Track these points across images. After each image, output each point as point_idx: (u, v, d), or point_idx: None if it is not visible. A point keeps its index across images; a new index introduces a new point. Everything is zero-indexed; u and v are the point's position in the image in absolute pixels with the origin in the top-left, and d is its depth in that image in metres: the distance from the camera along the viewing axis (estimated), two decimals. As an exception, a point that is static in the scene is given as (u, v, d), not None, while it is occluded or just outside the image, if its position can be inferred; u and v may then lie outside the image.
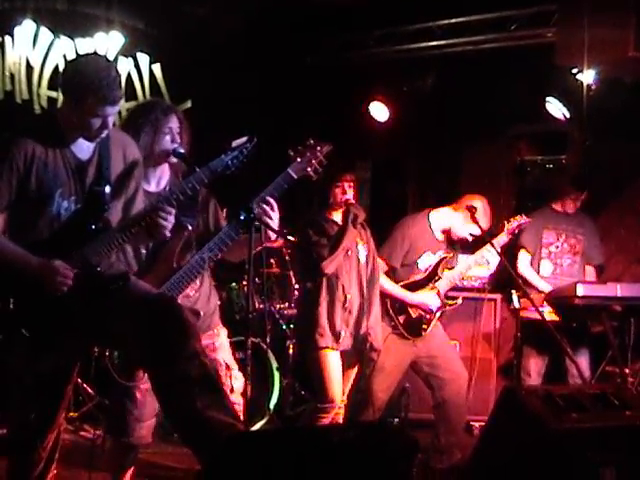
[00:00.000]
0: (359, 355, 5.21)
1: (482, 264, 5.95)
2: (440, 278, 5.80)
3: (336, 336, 5.09)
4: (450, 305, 5.90)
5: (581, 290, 6.05)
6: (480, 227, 5.67)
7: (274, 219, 4.16)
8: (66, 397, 3.90)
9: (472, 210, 5.69)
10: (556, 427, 3.49)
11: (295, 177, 4.21)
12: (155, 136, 4.22)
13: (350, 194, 5.23)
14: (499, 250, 5.77)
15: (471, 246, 6.00)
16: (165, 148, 4.24)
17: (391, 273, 5.73)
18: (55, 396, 3.83)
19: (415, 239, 5.77)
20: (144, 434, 4.37)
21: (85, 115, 3.54)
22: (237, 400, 4.20)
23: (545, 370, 6.72)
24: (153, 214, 3.63)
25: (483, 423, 5.41)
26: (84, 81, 3.51)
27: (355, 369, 5.31)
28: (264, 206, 4.11)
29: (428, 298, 5.73)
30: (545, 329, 5.57)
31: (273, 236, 4.24)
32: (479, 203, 5.77)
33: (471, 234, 5.80)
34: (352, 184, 5.24)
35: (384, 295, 5.58)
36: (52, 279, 3.49)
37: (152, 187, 4.28)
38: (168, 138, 4.24)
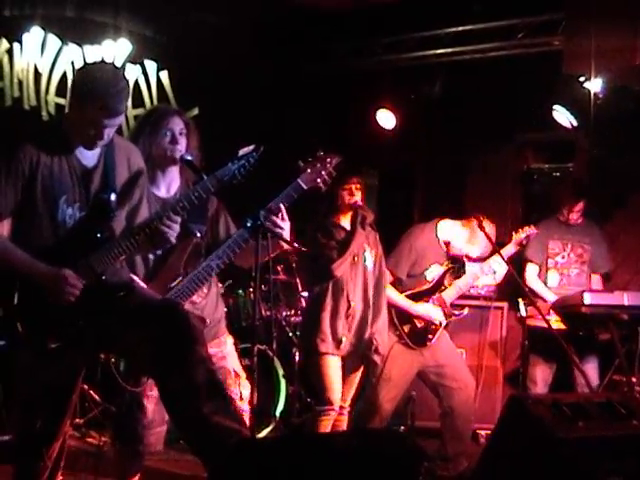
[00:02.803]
0: (361, 360, 5.26)
1: (489, 274, 5.95)
2: (446, 288, 5.80)
3: (337, 342, 5.13)
4: (456, 316, 5.90)
5: (588, 299, 6.01)
6: (489, 238, 5.64)
7: (285, 228, 4.13)
8: (72, 405, 3.89)
9: (480, 220, 5.66)
10: (563, 436, 3.47)
11: (305, 188, 4.21)
12: (151, 137, 4.21)
13: (358, 196, 5.26)
14: (506, 260, 5.75)
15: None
16: (163, 149, 4.22)
17: (397, 283, 5.73)
18: (61, 404, 3.81)
19: (423, 250, 5.78)
20: (153, 441, 4.38)
21: (85, 123, 3.55)
22: (246, 407, 4.21)
23: (552, 379, 6.71)
24: (158, 222, 3.62)
25: (489, 431, 5.42)
26: (89, 88, 3.52)
27: (357, 374, 5.34)
28: (273, 217, 4.08)
29: (432, 310, 5.73)
30: (552, 337, 5.52)
31: (285, 245, 4.22)
32: (488, 227, 5.73)
33: (467, 256, 5.82)
34: (359, 186, 5.27)
35: (389, 305, 5.59)
36: (60, 288, 3.48)
37: (162, 192, 4.28)
38: (167, 139, 4.22)
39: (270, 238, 3.95)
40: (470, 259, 5.88)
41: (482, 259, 5.90)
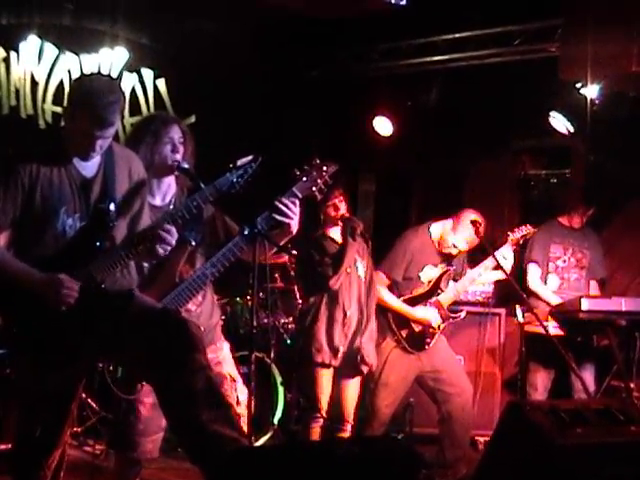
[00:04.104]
0: (355, 371, 5.28)
1: (487, 274, 5.96)
2: (443, 291, 5.82)
3: (334, 351, 5.17)
4: (453, 318, 5.91)
5: (586, 304, 6.01)
6: (483, 242, 5.69)
7: (295, 218, 4.16)
8: (71, 414, 3.89)
9: (477, 225, 5.70)
10: (561, 442, 3.46)
11: (300, 196, 4.21)
12: (154, 146, 4.21)
13: (343, 209, 5.30)
14: (502, 263, 5.73)
15: (477, 259, 6.00)
16: (165, 158, 4.22)
17: (393, 286, 5.76)
18: (60, 413, 3.81)
19: (417, 252, 5.80)
20: (150, 449, 4.35)
21: (78, 133, 3.57)
22: (243, 412, 4.22)
23: (551, 385, 6.73)
24: (157, 232, 3.64)
25: (488, 438, 5.43)
26: (82, 98, 3.56)
27: (355, 388, 5.36)
28: (287, 204, 4.10)
29: (430, 314, 5.75)
30: (550, 343, 5.55)
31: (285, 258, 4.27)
32: (475, 216, 5.78)
33: (454, 246, 5.80)
34: (342, 198, 5.31)
35: (386, 309, 5.64)
36: (57, 292, 3.49)
37: (157, 201, 4.28)
38: (168, 147, 4.22)
39: (269, 238, 4.00)
40: (462, 252, 5.87)
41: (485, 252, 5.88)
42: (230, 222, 4.41)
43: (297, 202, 4.16)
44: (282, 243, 4.26)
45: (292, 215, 4.13)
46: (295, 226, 4.18)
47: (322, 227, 5.38)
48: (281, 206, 4.10)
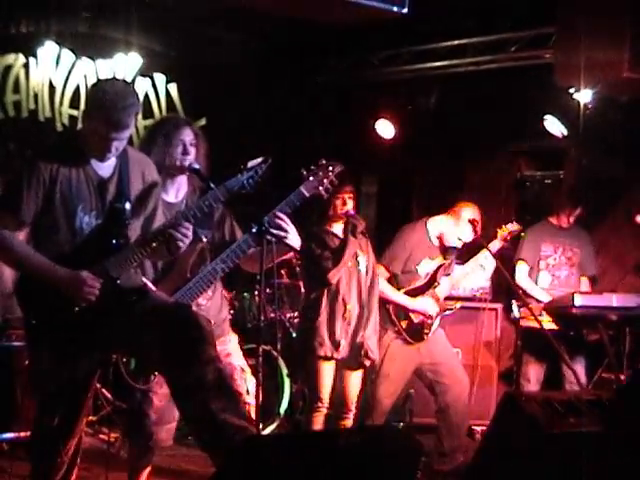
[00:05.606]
0: (357, 363, 5.38)
1: (477, 271, 6.13)
2: (439, 284, 5.96)
3: (336, 345, 5.25)
4: (450, 309, 6.08)
5: (578, 300, 6.17)
6: (478, 236, 5.86)
7: (290, 232, 4.26)
8: (86, 404, 3.97)
9: (474, 223, 5.86)
10: (554, 431, 3.56)
11: (307, 195, 4.32)
12: (166, 148, 4.30)
13: (350, 205, 5.36)
14: (494, 255, 5.91)
15: (467, 253, 6.17)
16: (176, 159, 4.31)
17: (393, 280, 5.88)
18: (76, 404, 3.89)
19: (414, 246, 5.92)
20: (164, 437, 4.47)
21: (95, 135, 3.67)
22: (251, 401, 4.35)
23: (543, 377, 6.83)
24: (171, 231, 3.74)
25: (484, 427, 5.57)
26: (99, 102, 3.64)
27: (355, 378, 5.45)
28: (278, 222, 4.19)
29: (428, 304, 5.88)
30: (544, 337, 5.69)
31: (289, 251, 4.37)
32: (472, 211, 5.95)
33: (459, 239, 5.96)
34: (352, 195, 5.37)
35: (387, 302, 5.75)
36: (80, 289, 3.60)
37: (171, 198, 4.40)
38: (179, 149, 4.31)
39: (275, 244, 4.05)
40: (465, 245, 6.01)
41: (471, 252, 6.07)
42: (235, 225, 4.51)
43: (286, 218, 4.26)
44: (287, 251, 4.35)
45: (284, 232, 4.22)
46: (292, 240, 4.27)
47: (325, 222, 5.45)
48: (278, 221, 4.21)
